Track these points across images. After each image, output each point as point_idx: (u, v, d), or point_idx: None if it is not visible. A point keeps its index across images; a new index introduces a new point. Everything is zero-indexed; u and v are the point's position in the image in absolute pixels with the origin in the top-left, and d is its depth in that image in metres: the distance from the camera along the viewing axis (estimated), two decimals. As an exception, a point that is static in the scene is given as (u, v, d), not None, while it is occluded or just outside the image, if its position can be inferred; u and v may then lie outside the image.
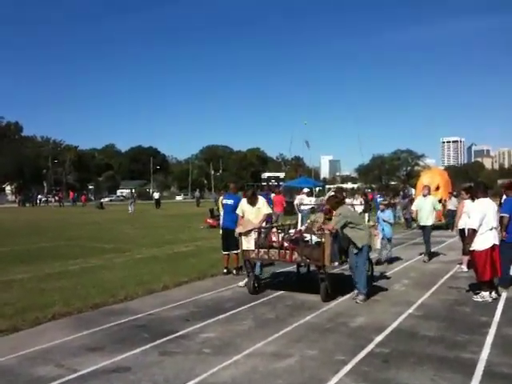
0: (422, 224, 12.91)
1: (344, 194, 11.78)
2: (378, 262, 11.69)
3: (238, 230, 8.97)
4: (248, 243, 8.66)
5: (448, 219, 22.00)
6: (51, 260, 12.48)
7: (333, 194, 11.95)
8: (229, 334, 6.27)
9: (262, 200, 9.75)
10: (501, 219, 8.67)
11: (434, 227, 21.51)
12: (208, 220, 22.80)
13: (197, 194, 58.17)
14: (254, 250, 8.57)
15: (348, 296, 8.50)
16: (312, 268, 9.20)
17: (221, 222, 11.41)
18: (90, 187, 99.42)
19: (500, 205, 10.06)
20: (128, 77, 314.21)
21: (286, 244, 8.33)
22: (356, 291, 8.11)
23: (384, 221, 12.44)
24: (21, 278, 10.08)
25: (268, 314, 7.29)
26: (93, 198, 75.36)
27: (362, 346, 5.76)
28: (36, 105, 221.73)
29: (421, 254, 13.21)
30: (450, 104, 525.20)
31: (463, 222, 10.21)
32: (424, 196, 13.12)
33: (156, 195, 52.29)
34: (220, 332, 6.38)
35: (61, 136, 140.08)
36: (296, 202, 19.95)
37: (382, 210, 12.78)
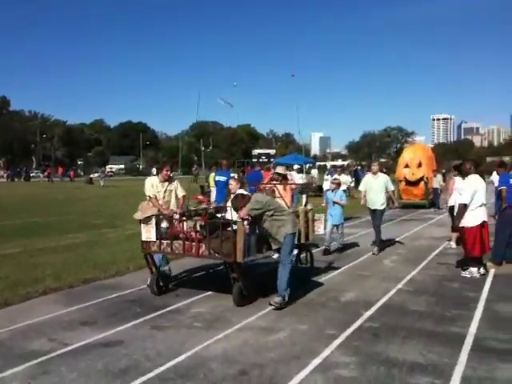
0: (372, 208, 10.62)
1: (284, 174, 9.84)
2: (326, 251, 10.22)
3: (136, 216, 7.15)
4: (148, 233, 7.02)
5: (433, 197, 21.66)
6: (42, 235, 12.43)
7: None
8: (219, 309, 6.30)
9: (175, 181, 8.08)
10: (500, 192, 8.89)
11: (417, 206, 21.55)
12: (198, 197, 22.68)
13: (194, 170, 56.92)
14: (155, 242, 7.00)
15: (338, 271, 8.58)
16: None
17: (212, 199, 11.37)
18: (79, 162, 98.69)
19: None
20: (116, 51, 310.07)
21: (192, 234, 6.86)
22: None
23: (335, 203, 10.54)
24: (12, 252, 10.05)
25: (258, 289, 7.32)
26: (82, 174, 74.77)
27: (352, 320, 5.82)
28: (23, 79, 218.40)
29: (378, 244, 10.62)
30: (440, 81, 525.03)
31: (453, 199, 10.30)
32: (374, 174, 10.82)
33: (154, 171, 51.12)
34: (211, 307, 6.41)
35: (49, 111, 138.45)
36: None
37: (333, 190, 10.71)
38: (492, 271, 8.42)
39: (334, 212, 10.48)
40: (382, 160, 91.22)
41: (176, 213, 7.34)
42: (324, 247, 10.37)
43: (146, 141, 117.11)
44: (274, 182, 9.16)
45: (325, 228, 8.93)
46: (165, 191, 7.71)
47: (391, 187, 10.77)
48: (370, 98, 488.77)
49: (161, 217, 7.14)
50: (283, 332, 5.45)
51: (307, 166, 37.61)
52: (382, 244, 10.80)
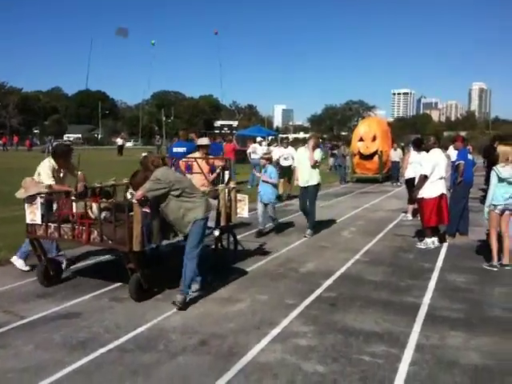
0: (304, 185, 9.44)
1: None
2: (260, 233, 9.33)
3: (19, 194, 6.16)
4: (32, 214, 6.03)
5: (389, 171, 21.58)
6: (-5, 206, 12.04)
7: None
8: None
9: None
10: (457, 166, 9.11)
11: (370, 180, 21.61)
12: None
13: (157, 141, 54.03)
14: (41, 225, 6.01)
15: (297, 243, 8.68)
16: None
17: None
18: (35, 131, 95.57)
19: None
20: (74, 16, 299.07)
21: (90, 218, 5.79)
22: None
23: (264, 181, 9.52)
24: (-37, 223, 9.69)
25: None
26: (38, 143, 72.39)
27: (311, 290, 5.93)
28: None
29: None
30: (402, 55, 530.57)
31: (411, 172, 10.55)
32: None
33: (119, 141, 47.18)
34: (172, 280, 6.37)
35: (3, 78, 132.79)
36: (249, 150, 19.95)
37: (263, 166, 9.75)
38: (446, 243, 8.69)
39: (264, 190, 9.47)
40: (343, 133, 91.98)
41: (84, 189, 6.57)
42: (257, 229, 9.45)
43: (105, 110, 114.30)
44: (195, 156, 8.21)
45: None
46: (65, 174, 6.96)
47: (318, 156, 9.40)
48: (332, 72, 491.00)
49: (53, 196, 6.23)
50: (243, 302, 5.50)
51: (269, 138, 37.65)
52: (314, 223, 9.62)
